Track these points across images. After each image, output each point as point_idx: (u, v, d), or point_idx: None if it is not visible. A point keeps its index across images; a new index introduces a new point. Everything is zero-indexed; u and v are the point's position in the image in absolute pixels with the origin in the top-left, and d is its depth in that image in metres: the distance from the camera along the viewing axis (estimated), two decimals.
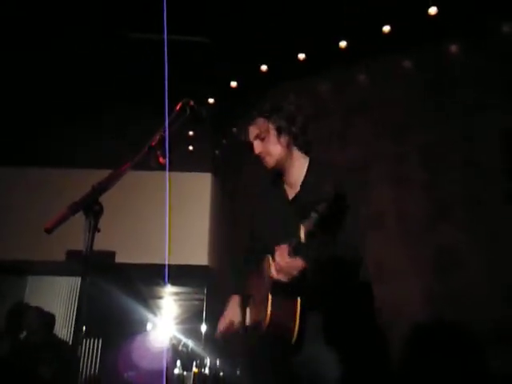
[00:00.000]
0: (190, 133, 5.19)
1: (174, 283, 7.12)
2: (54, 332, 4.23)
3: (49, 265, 5.78)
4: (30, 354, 3.80)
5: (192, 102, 1.58)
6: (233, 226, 4.74)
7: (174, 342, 7.05)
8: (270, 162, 1.86)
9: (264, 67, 4.17)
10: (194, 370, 4.97)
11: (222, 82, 4.42)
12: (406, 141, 3.56)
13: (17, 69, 4.32)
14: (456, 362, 2.83)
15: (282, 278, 1.56)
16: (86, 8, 3.72)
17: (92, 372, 6.31)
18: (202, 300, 6.79)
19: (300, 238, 1.46)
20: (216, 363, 4.68)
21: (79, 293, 1.35)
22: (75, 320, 1.38)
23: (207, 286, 6.23)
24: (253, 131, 1.90)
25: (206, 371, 4.92)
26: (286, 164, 1.88)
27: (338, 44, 3.86)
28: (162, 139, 1.50)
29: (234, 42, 3.99)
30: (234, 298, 1.97)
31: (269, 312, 1.62)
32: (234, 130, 5.08)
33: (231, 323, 1.92)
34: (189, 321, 8.44)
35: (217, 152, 5.75)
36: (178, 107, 1.58)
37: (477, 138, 3.29)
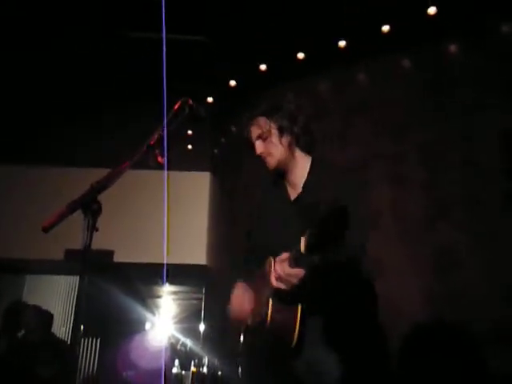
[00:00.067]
0: (189, 132, 5.19)
1: (172, 282, 7.12)
2: (53, 331, 4.23)
3: (47, 263, 5.77)
4: (28, 353, 3.79)
5: (191, 101, 1.58)
6: (231, 225, 4.74)
7: (173, 341, 7.06)
8: (272, 162, 1.85)
9: (263, 66, 4.17)
10: (193, 369, 4.98)
11: (221, 81, 4.41)
12: (405, 140, 3.56)
13: (16, 68, 4.32)
14: (455, 361, 2.83)
15: (282, 286, 1.55)
16: (84, 7, 3.72)
17: (90, 371, 6.31)
18: (201, 299, 6.80)
19: (300, 249, 1.45)
20: (214, 362, 4.68)
21: (77, 292, 1.35)
22: (73, 319, 1.38)
23: (205, 285, 6.23)
24: (254, 131, 1.89)
25: (205, 370, 4.92)
26: (288, 164, 1.87)
27: (337, 44, 3.85)
28: (161, 138, 1.50)
29: (233, 41, 3.98)
30: (239, 285, 1.93)
31: (269, 315, 1.62)
32: (233, 129, 5.08)
33: (240, 308, 1.87)
34: (187, 320, 8.45)
35: (216, 151, 5.75)
36: (176, 106, 1.58)
37: (476, 137, 3.29)
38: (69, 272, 6.28)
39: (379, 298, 1.80)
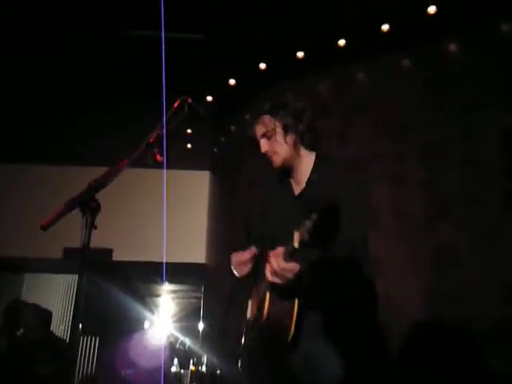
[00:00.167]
0: (188, 130, 5.18)
1: (171, 281, 7.13)
2: (51, 329, 4.23)
3: (46, 262, 5.78)
4: (28, 352, 3.79)
5: (190, 100, 1.58)
6: (231, 224, 4.73)
7: (172, 339, 7.07)
8: (277, 160, 1.87)
9: (263, 65, 4.16)
10: (192, 367, 4.98)
11: (221, 80, 4.41)
12: (405, 140, 3.56)
13: (16, 68, 4.31)
14: (455, 360, 2.83)
15: (277, 280, 1.55)
16: (83, 6, 3.71)
17: (89, 369, 6.32)
18: (200, 298, 6.80)
19: (294, 244, 1.46)
20: (213, 361, 4.68)
21: (76, 290, 1.35)
22: (72, 317, 1.38)
23: (205, 283, 6.23)
24: (259, 130, 1.90)
25: (203, 369, 4.92)
26: (293, 162, 1.89)
27: (337, 43, 3.85)
28: (160, 136, 1.49)
29: (232, 40, 3.97)
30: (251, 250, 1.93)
31: (266, 309, 1.62)
32: (233, 128, 5.07)
33: (244, 257, 1.89)
34: (186, 319, 8.46)
35: (215, 150, 5.75)
36: (175, 105, 1.57)
37: (476, 136, 3.28)
38: (68, 270, 6.29)
39: (379, 298, 1.80)
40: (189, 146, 5.55)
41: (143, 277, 6.22)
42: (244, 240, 2.10)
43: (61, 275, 7.01)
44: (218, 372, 4.28)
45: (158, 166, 1.53)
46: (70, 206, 1.31)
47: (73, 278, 6.96)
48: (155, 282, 7.21)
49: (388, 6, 3.54)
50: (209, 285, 5.87)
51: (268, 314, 1.62)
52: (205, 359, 4.98)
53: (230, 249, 1.97)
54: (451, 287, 3.04)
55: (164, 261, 4.75)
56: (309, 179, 1.86)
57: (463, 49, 3.61)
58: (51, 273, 6.81)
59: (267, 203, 2.05)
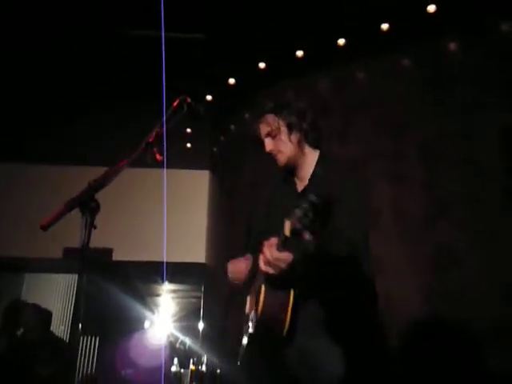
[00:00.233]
0: (188, 130, 5.18)
1: (171, 281, 7.13)
2: (51, 329, 4.23)
3: (46, 262, 5.78)
4: (27, 352, 3.79)
5: (189, 99, 1.58)
6: (231, 223, 4.73)
7: (172, 339, 7.07)
8: (282, 159, 1.89)
9: (262, 65, 4.16)
10: (192, 367, 4.98)
11: (221, 79, 4.40)
12: (405, 138, 3.55)
13: (16, 68, 4.31)
14: (454, 360, 2.83)
15: (270, 270, 1.56)
16: (83, 6, 3.70)
17: (89, 369, 6.32)
18: (200, 298, 6.80)
19: (285, 233, 1.46)
20: (213, 360, 4.68)
21: (76, 290, 1.35)
22: (72, 317, 1.38)
23: (204, 283, 6.24)
24: (263, 129, 1.91)
25: (203, 368, 4.92)
26: (297, 160, 1.90)
27: (336, 42, 3.85)
28: (159, 136, 1.49)
29: (232, 39, 3.97)
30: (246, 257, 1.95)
31: (261, 301, 1.62)
32: (233, 127, 5.07)
33: (239, 266, 1.91)
34: (186, 318, 8.46)
35: (215, 149, 5.74)
36: (175, 104, 1.58)
37: (476, 136, 3.28)
38: (67, 270, 6.29)
39: (379, 297, 1.80)
40: (188, 145, 5.55)
41: (143, 276, 6.22)
42: (244, 239, 2.10)
43: (61, 275, 7.01)
44: (218, 371, 4.28)
45: (158, 165, 1.53)
46: (69, 206, 1.31)
47: (73, 278, 6.96)
48: (155, 282, 7.21)
49: (388, 5, 3.53)
50: (209, 284, 5.87)
51: (263, 306, 1.62)
52: (205, 359, 4.98)
53: (229, 248, 1.97)
54: (451, 287, 3.04)
55: (164, 260, 4.75)
56: (312, 176, 1.87)
57: (463, 48, 3.61)
58: (51, 273, 6.81)
59: (271, 202, 2.06)
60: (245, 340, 1.83)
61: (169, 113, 1.56)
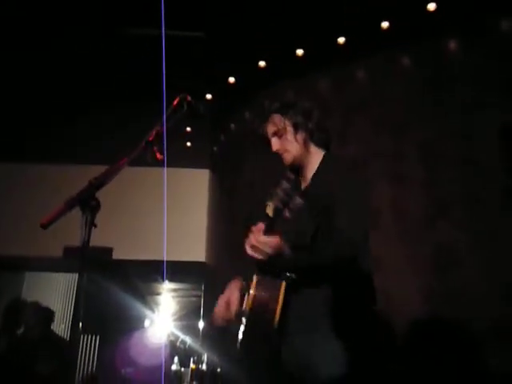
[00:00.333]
0: (188, 129, 5.18)
1: (171, 280, 7.12)
2: (52, 328, 4.23)
3: (46, 261, 5.78)
4: (28, 351, 3.79)
5: (189, 98, 1.58)
6: (231, 222, 4.73)
7: (172, 338, 7.06)
8: (288, 158, 1.91)
9: (262, 63, 4.15)
10: (192, 366, 4.97)
11: (221, 78, 4.40)
12: (405, 138, 3.55)
13: (16, 67, 4.31)
14: (454, 360, 2.83)
15: (256, 255, 1.57)
16: (83, 4, 3.70)
17: (90, 368, 6.32)
18: (200, 296, 6.80)
19: (268, 213, 1.50)
20: (213, 359, 4.68)
21: (76, 289, 1.35)
22: (72, 316, 1.37)
23: (205, 282, 6.23)
24: (270, 128, 1.94)
25: (204, 367, 4.92)
26: (303, 160, 1.92)
27: (336, 41, 3.85)
28: (159, 134, 1.49)
29: (232, 38, 3.97)
30: (235, 282, 1.93)
31: (253, 289, 1.64)
32: (233, 126, 5.07)
33: (226, 306, 1.87)
34: (186, 317, 8.45)
35: (215, 148, 5.74)
36: (175, 102, 1.58)
37: (476, 136, 3.28)
38: (68, 269, 6.28)
39: (379, 297, 1.80)
40: (188, 144, 5.55)
41: (143, 275, 6.23)
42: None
43: (61, 274, 7.01)
44: (219, 370, 4.29)
45: (158, 164, 1.53)
46: (69, 205, 1.31)
47: (73, 277, 6.96)
48: (155, 281, 7.21)
49: (388, 4, 3.53)
50: (209, 283, 5.87)
51: (254, 296, 1.63)
52: (205, 357, 4.98)
53: (229, 247, 1.97)
54: (451, 287, 3.04)
55: (164, 259, 4.76)
56: (314, 175, 1.90)
57: (463, 47, 3.61)
58: (51, 271, 6.81)
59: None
60: (240, 334, 1.82)
61: (169, 111, 1.56)
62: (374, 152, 3.61)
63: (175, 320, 8.66)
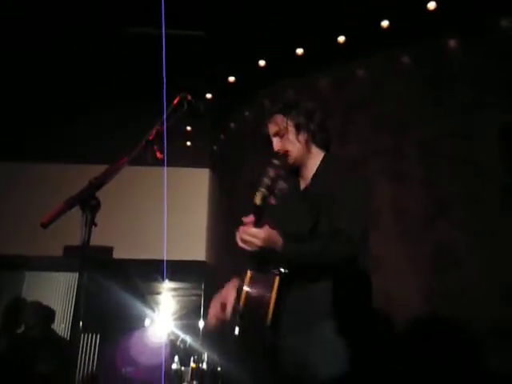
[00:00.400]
0: (188, 128, 5.18)
1: (171, 279, 7.12)
2: (52, 327, 4.23)
3: (46, 260, 5.78)
4: (28, 350, 3.80)
5: (189, 97, 1.58)
6: (231, 221, 4.72)
7: (172, 337, 7.06)
8: (289, 158, 1.90)
9: (262, 63, 4.15)
10: (192, 365, 4.98)
11: (221, 77, 4.40)
12: (404, 137, 3.55)
13: (16, 67, 4.31)
14: (454, 360, 2.83)
15: (246, 247, 1.58)
16: (83, 3, 3.70)
17: (90, 367, 6.32)
18: (200, 296, 6.80)
19: (255, 202, 1.52)
20: (213, 358, 4.68)
21: (77, 288, 1.35)
22: (73, 315, 1.37)
23: (205, 281, 6.23)
24: (272, 128, 1.94)
25: (204, 366, 4.92)
26: (304, 160, 1.93)
27: (336, 40, 3.84)
28: (159, 134, 1.49)
29: (232, 37, 3.96)
30: (233, 281, 1.92)
31: (246, 282, 1.64)
32: (233, 125, 5.07)
33: (223, 306, 1.86)
34: (187, 316, 8.46)
35: (215, 148, 5.74)
36: (175, 101, 1.58)
37: (475, 136, 3.28)
38: (68, 268, 6.28)
39: (377, 297, 1.80)
40: (188, 143, 5.55)
41: (143, 275, 6.22)
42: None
43: (61, 273, 7.00)
44: (219, 369, 4.29)
45: (158, 163, 1.53)
46: (70, 204, 1.31)
47: (73, 276, 6.96)
48: (155, 280, 7.21)
49: (388, 3, 3.53)
50: (209, 282, 5.87)
51: (248, 292, 1.63)
52: (205, 356, 4.98)
53: (229, 247, 1.96)
54: (451, 287, 3.04)
55: (164, 258, 4.76)
56: (314, 175, 1.90)
57: (463, 47, 3.61)
58: (51, 271, 6.81)
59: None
60: (236, 332, 1.82)
61: (169, 110, 1.56)
62: (373, 151, 3.61)
63: (175, 319, 8.67)
